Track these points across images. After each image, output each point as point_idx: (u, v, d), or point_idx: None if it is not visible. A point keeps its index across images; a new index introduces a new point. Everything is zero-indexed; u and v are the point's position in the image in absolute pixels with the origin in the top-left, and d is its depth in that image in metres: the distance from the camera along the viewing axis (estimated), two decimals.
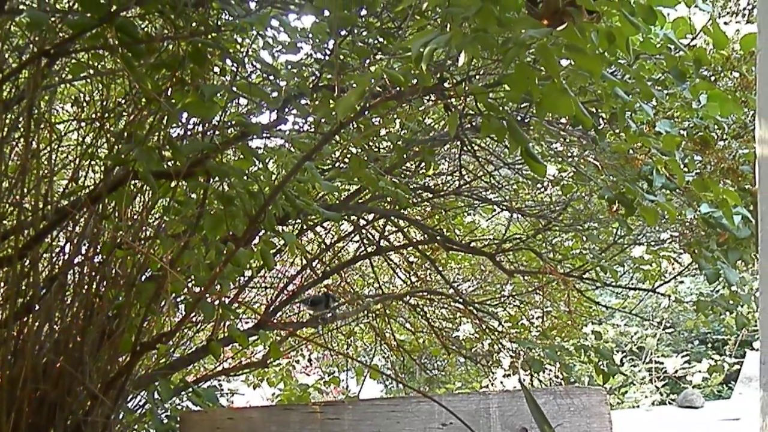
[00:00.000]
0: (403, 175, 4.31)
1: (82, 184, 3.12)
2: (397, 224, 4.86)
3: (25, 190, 2.81)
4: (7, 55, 2.85)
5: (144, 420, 3.63)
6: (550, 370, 5.23)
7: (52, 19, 2.53)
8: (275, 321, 4.38)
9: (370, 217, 4.66)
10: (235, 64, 3.01)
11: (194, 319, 3.65)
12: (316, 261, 4.78)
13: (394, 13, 3.01)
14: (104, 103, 3.14)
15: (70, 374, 2.82)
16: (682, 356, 9.49)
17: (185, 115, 2.97)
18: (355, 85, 2.35)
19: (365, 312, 5.03)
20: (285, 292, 4.60)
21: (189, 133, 3.16)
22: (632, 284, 5.63)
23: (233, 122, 3.24)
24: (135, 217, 3.15)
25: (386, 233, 4.95)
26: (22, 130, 2.81)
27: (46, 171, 2.96)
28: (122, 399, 3.14)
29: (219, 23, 2.82)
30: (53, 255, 3.07)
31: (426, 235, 4.73)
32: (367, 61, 3.04)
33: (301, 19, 3.07)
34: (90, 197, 2.83)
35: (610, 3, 2.30)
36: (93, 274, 3.02)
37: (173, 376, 3.84)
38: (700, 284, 8.54)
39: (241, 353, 4.95)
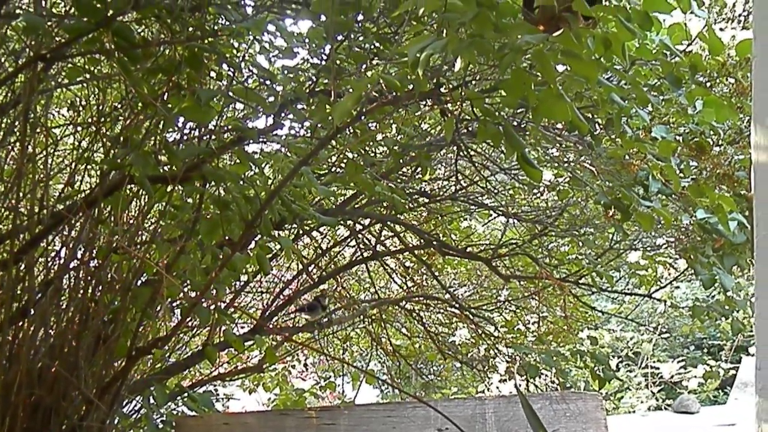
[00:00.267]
0: (399, 180, 4.31)
1: (78, 189, 3.11)
2: (393, 229, 4.86)
3: (21, 194, 2.80)
4: (3, 59, 2.85)
5: (139, 425, 3.62)
6: (546, 376, 5.23)
7: (49, 23, 2.53)
8: (271, 326, 4.37)
9: (367, 221, 4.65)
10: (231, 69, 3.00)
11: (190, 324, 3.65)
12: (313, 266, 4.77)
13: (390, 19, 3.02)
14: (100, 108, 3.13)
15: (65, 379, 2.81)
16: (678, 362, 9.50)
17: (181, 119, 2.97)
18: (351, 90, 2.35)
19: (361, 317, 5.03)
20: (281, 296, 4.60)
21: (185, 137, 3.16)
22: (628, 289, 5.63)
23: (229, 127, 3.24)
24: (131, 221, 3.14)
25: (382, 238, 4.95)
26: (18, 134, 2.81)
27: (41, 175, 2.96)
28: (117, 404, 3.14)
29: (215, 28, 2.82)
30: (49, 259, 3.07)
31: (422, 240, 4.74)
32: (364, 66, 3.04)
33: (298, 23, 3.07)
34: (86, 201, 2.83)
35: (606, 9, 2.30)
36: (88, 278, 3.01)
37: (169, 380, 3.84)
38: (696, 290, 8.54)
39: (236, 358, 4.94)
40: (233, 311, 3.83)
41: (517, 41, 2.02)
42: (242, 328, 4.36)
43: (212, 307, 3.07)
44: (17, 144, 2.82)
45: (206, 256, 3.00)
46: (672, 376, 9.21)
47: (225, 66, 2.98)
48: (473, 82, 3.09)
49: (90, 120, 3.18)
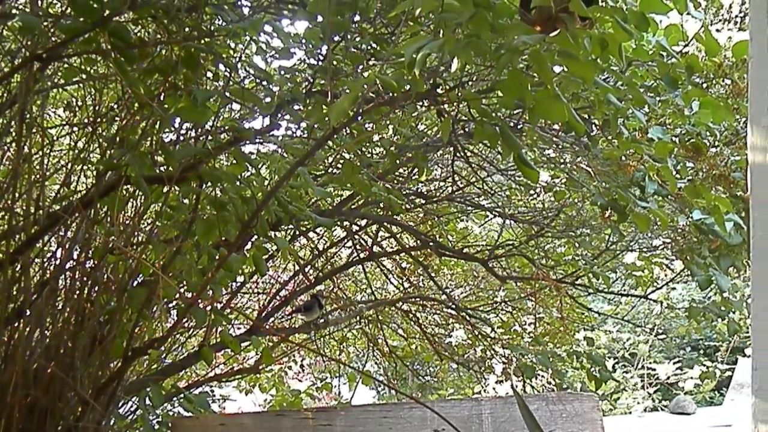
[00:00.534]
0: (396, 181, 4.31)
1: (74, 189, 3.11)
2: (389, 230, 4.86)
3: (17, 194, 2.80)
4: None
5: (135, 426, 3.62)
6: (543, 376, 5.23)
7: (45, 23, 2.52)
8: (267, 326, 4.37)
9: (363, 222, 4.65)
10: (228, 69, 3.00)
11: (186, 325, 3.64)
12: (309, 266, 4.77)
13: (387, 19, 3.02)
14: (97, 108, 3.13)
15: (61, 380, 2.81)
16: (674, 363, 9.50)
17: (178, 120, 2.97)
18: (348, 91, 2.35)
19: (358, 318, 5.02)
20: (277, 297, 4.59)
21: (182, 138, 3.15)
22: (624, 290, 5.64)
23: (226, 127, 3.24)
24: (127, 222, 3.14)
25: (379, 239, 4.95)
26: (14, 134, 2.80)
27: (37, 175, 2.95)
28: (113, 405, 3.13)
29: (212, 28, 2.81)
30: (44, 260, 3.06)
31: (419, 241, 4.73)
32: (360, 66, 3.04)
33: (295, 24, 3.07)
34: (82, 202, 2.82)
35: (602, 9, 2.30)
36: (84, 279, 3.01)
37: (165, 381, 3.83)
38: (692, 291, 8.54)
39: (233, 359, 4.94)
40: (230, 312, 3.83)
41: (513, 42, 2.02)
42: (239, 328, 4.36)
43: (208, 307, 3.07)
44: (13, 144, 2.82)
45: (203, 257, 3.00)
46: (668, 377, 9.22)
47: (221, 66, 2.98)
48: (470, 83, 3.09)
49: (86, 120, 3.18)
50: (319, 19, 2.80)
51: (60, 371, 2.80)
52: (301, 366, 6.30)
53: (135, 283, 3.11)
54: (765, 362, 1.52)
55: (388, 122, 3.69)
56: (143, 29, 2.95)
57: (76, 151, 3.12)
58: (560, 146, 3.96)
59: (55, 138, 3.33)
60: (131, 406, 3.70)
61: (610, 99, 2.81)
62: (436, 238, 4.86)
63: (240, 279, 4.13)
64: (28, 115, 2.80)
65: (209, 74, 2.99)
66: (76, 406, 2.92)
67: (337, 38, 2.99)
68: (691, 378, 9.10)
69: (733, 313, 4.25)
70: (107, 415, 3.06)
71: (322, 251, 4.90)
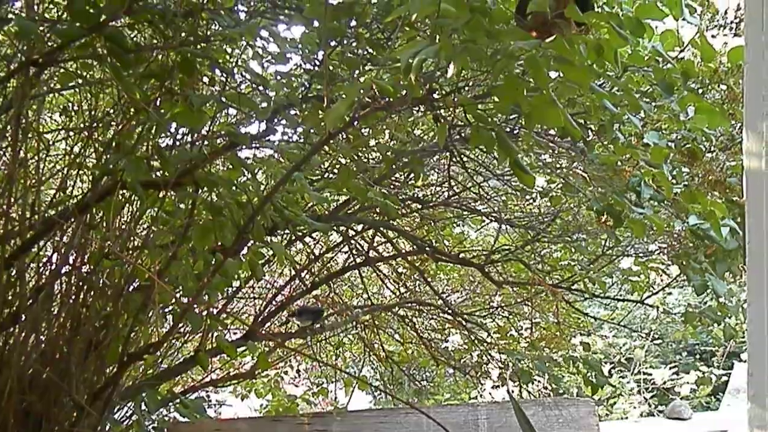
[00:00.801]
0: (392, 186, 4.31)
1: (69, 194, 3.10)
2: (386, 235, 4.85)
3: (13, 199, 2.79)
4: None
5: (131, 431, 3.61)
6: (539, 382, 5.22)
7: (41, 28, 2.52)
8: (264, 332, 4.36)
9: (359, 227, 4.65)
10: (224, 75, 3.00)
11: (182, 330, 3.64)
12: (305, 272, 4.76)
13: (383, 24, 3.02)
14: (93, 113, 3.13)
15: (56, 385, 2.80)
16: (671, 368, 9.49)
17: (174, 125, 2.97)
18: (344, 96, 2.35)
19: (354, 323, 5.02)
20: (273, 302, 4.59)
21: (178, 143, 3.15)
22: (621, 295, 5.64)
23: (222, 132, 3.24)
24: (123, 227, 3.13)
25: (375, 244, 4.94)
26: (9, 139, 2.80)
27: (33, 180, 2.95)
28: (109, 410, 3.13)
29: (208, 33, 2.81)
30: (40, 265, 3.06)
31: (415, 246, 4.73)
32: (357, 71, 3.04)
33: (291, 29, 3.07)
34: (77, 207, 2.82)
35: (598, 15, 2.31)
36: (80, 284, 3.01)
37: (160, 387, 3.82)
38: (688, 296, 8.54)
39: (229, 364, 4.93)
40: (225, 317, 3.83)
41: (509, 47, 2.02)
42: (234, 334, 4.35)
43: (204, 313, 3.06)
44: (9, 149, 2.81)
45: (198, 262, 3.00)
46: (664, 382, 9.20)
47: (218, 71, 2.98)
48: (466, 88, 3.09)
49: (82, 125, 3.18)
50: (316, 24, 2.80)
51: (55, 376, 2.80)
52: (298, 371, 6.28)
53: (131, 288, 3.11)
54: (761, 368, 1.52)
55: (384, 127, 3.69)
56: (139, 34, 2.95)
57: (72, 156, 3.11)
58: (556, 151, 3.96)
59: (50, 143, 3.32)
60: (127, 412, 3.69)
61: (605, 104, 2.81)
62: (432, 243, 4.86)
63: (236, 284, 4.12)
64: (24, 120, 2.80)
65: (205, 79, 2.99)
66: (72, 412, 2.92)
67: (333, 43, 2.99)
68: (688, 383, 9.09)
69: (729, 318, 4.25)
70: (103, 420, 3.05)
71: (318, 256, 4.89)
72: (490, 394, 5.50)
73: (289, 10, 2.96)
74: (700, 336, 9.41)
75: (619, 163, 3.40)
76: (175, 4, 2.57)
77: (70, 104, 3.37)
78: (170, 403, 3.95)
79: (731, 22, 3.77)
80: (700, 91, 3.53)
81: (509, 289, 5.13)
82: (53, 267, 3.04)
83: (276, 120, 3.18)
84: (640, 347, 9.40)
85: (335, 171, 3.75)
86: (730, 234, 3.32)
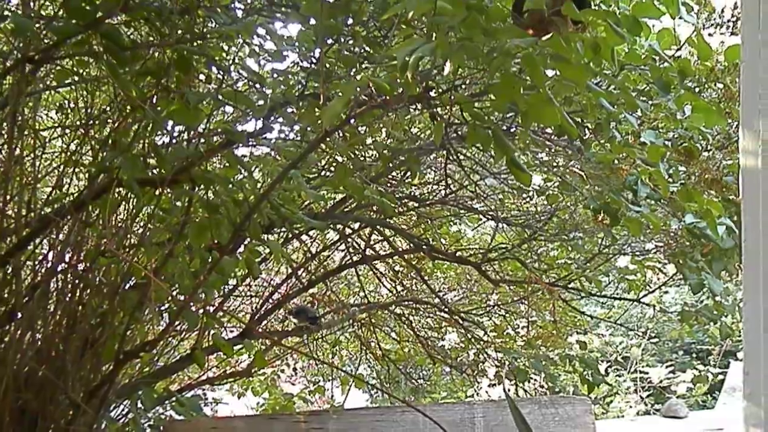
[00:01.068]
0: (389, 184, 4.31)
1: (65, 192, 3.10)
2: (383, 233, 4.85)
3: (8, 196, 2.79)
4: None
5: (127, 429, 3.61)
6: (536, 380, 5.22)
7: (37, 25, 2.52)
8: (260, 330, 4.36)
9: (356, 226, 4.65)
10: (220, 72, 3.00)
11: (178, 328, 3.63)
12: (302, 270, 4.76)
13: (380, 22, 3.02)
14: (89, 110, 3.12)
15: (52, 383, 2.80)
16: (667, 366, 9.50)
17: (170, 122, 2.96)
18: (340, 94, 2.35)
19: (351, 321, 5.02)
20: (270, 300, 4.58)
21: (174, 140, 3.15)
22: (617, 294, 5.64)
23: (219, 130, 3.23)
24: (119, 224, 3.13)
25: (372, 242, 4.94)
26: (5, 136, 2.79)
27: (29, 178, 2.95)
28: (105, 408, 3.12)
29: (205, 31, 2.81)
30: (36, 262, 3.05)
31: (412, 245, 4.73)
32: (353, 69, 3.04)
33: (288, 27, 3.07)
34: (74, 205, 2.81)
35: (595, 13, 2.31)
36: (76, 281, 3.00)
37: (157, 385, 3.82)
38: (685, 294, 8.55)
39: (225, 362, 4.92)
40: (222, 315, 3.82)
41: (506, 45, 2.02)
42: (231, 332, 4.35)
43: (201, 311, 3.06)
44: (5, 146, 2.81)
45: (195, 260, 2.99)
46: (661, 381, 9.21)
47: (214, 69, 2.97)
48: (463, 86, 3.09)
49: (78, 123, 3.17)
50: (312, 21, 2.80)
51: (51, 374, 2.79)
52: (294, 369, 6.28)
53: (127, 286, 3.10)
54: (756, 366, 1.52)
55: (381, 125, 3.69)
56: (136, 31, 2.95)
57: (68, 154, 3.11)
58: (553, 150, 3.96)
59: (47, 140, 3.32)
60: (123, 410, 3.69)
61: (602, 103, 2.81)
62: (429, 241, 4.86)
63: (232, 282, 4.12)
64: (19, 117, 2.79)
65: (202, 77, 2.98)
66: (68, 410, 2.91)
67: (330, 41, 2.99)
68: (684, 382, 9.10)
69: (726, 316, 4.26)
70: (99, 418, 3.05)
71: (315, 254, 4.89)
72: (486, 392, 5.50)
73: (286, 7, 2.96)
74: (697, 335, 9.41)
75: (616, 161, 3.40)
76: (172, 2, 2.56)
77: (66, 101, 3.37)
78: (166, 401, 3.95)
79: (728, 21, 3.77)
80: (697, 89, 3.53)
81: (506, 287, 5.14)
82: (49, 264, 3.03)
83: (272, 118, 3.18)
84: (636, 346, 9.41)
85: (332, 169, 3.74)
86: (727, 233, 3.32)
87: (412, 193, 4.75)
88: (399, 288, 5.43)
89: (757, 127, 1.54)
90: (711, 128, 3.42)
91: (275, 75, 3.13)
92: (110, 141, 2.94)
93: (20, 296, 2.83)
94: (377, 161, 3.88)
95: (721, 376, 8.91)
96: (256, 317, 4.42)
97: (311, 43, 2.96)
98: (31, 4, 2.76)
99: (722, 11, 3.79)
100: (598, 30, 2.41)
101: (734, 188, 3.50)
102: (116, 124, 3.00)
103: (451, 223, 5.48)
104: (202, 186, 2.81)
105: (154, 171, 2.82)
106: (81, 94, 3.18)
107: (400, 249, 4.90)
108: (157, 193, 2.87)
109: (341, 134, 3.33)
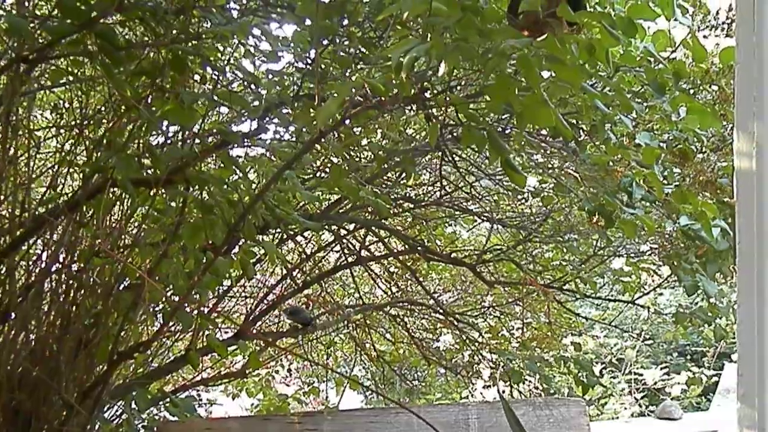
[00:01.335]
0: (384, 185, 4.31)
1: (60, 192, 3.09)
2: (378, 234, 4.85)
3: (2, 197, 2.78)
4: None
5: (121, 430, 3.60)
6: (530, 381, 5.23)
7: (32, 24, 2.51)
8: (255, 331, 4.36)
9: (351, 227, 4.65)
10: (215, 72, 2.99)
11: (172, 329, 3.63)
12: (297, 271, 4.76)
13: (375, 23, 3.01)
14: (83, 110, 3.12)
15: (45, 383, 2.79)
16: (661, 368, 9.51)
17: (165, 122, 2.96)
18: (335, 95, 2.35)
19: (345, 322, 5.01)
20: (265, 301, 4.58)
21: (169, 141, 3.14)
22: (612, 296, 5.65)
23: (213, 130, 3.23)
24: (113, 225, 3.12)
25: (367, 243, 4.94)
26: None
27: (23, 178, 2.94)
28: (99, 409, 3.12)
29: (200, 31, 2.80)
30: (30, 263, 3.05)
31: (407, 246, 4.73)
32: (348, 70, 3.04)
33: (283, 27, 3.07)
34: (68, 205, 2.81)
35: (590, 15, 2.31)
36: (70, 282, 3.00)
37: (151, 385, 3.81)
38: (679, 296, 8.55)
39: (219, 363, 4.92)
40: (216, 316, 3.82)
41: (501, 46, 2.02)
42: (225, 333, 4.34)
43: (195, 311, 3.05)
44: None
45: (189, 261, 2.99)
46: (655, 383, 9.22)
47: (209, 69, 2.97)
48: (458, 87, 3.09)
49: (73, 122, 3.16)
50: (308, 22, 2.80)
51: (45, 375, 2.79)
52: (289, 370, 6.28)
53: (121, 286, 3.10)
54: (750, 368, 1.52)
55: (376, 126, 3.68)
56: (130, 31, 2.94)
57: (63, 154, 3.10)
58: (548, 151, 3.96)
59: (41, 140, 3.31)
60: (117, 410, 3.68)
61: (597, 104, 2.81)
62: (424, 242, 4.86)
63: (227, 283, 4.11)
64: (14, 117, 2.79)
65: (197, 77, 2.98)
66: (61, 410, 2.91)
67: (325, 42, 2.99)
68: (678, 383, 9.11)
69: (720, 318, 4.26)
70: (92, 419, 3.04)
71: (309, 255, 4.89)
72: (481, 393, 5.50)
73: (281, 8, 2.96)
74: (691, 336, 9.44)
75: (611, 163, 3.40)
76: (167, 2, 2.56)
77: (60, 101, 3.36)
78: (160, 402, 3.94)
79: (723, 23, 3.77)
80: (692, 91, 3.53)
81: (501, 288, 5.14)
82: (43, 265, 3.03)
83: (267, 118, 3.17)
84: (631, 347, 9.41)
85: (327, 170, 3.74)
86: (721, 235, 3.33)
87: (407, 195, 4.75)
88: (394, 289, 5.43)
89: (751, 129, 1.54)
90: (706, 130, 3.43)
91: (270, 75, 3.13)
92: (105, 141, 2.94)
93: (14, 296, 2.82)
94: (372, 162, 3.88)
95: (715, 378, 8.92)
96: (251, 318, 4.42)
97: (306, 44, 2.96)
98: (26, 3, 2.75)
99: (717, 13, 3.79)
100: (593, 32, 2.41)
101: (729, 190, 3.50)
102: (111, 124, 2.99)
103: (446, 225, 5.48)
104: (196, 186, 2.80)
105: (149, 171, 2.82)
106: (75, 94, 3.17)
107: (395, 250, 4.90)
108: (151, 193, 2.87)
109: (336, 135, 3.33)
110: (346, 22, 3.00)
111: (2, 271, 2.84)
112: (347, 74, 3.02)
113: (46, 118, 3.74)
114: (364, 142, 3.95)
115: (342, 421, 3.96)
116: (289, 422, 3.90)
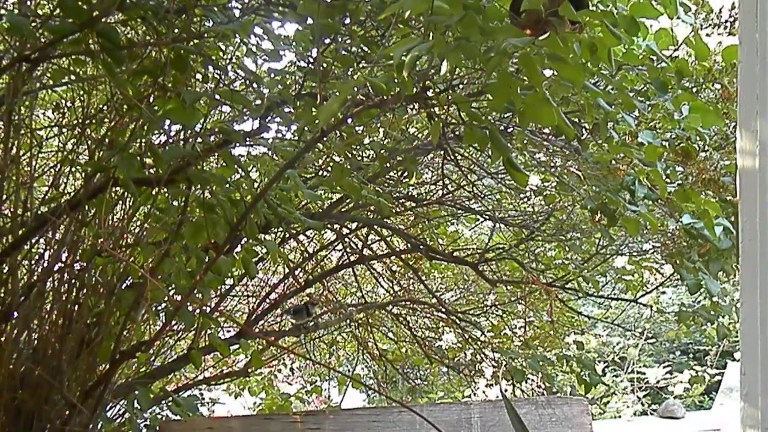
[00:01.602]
0: (386, 184, 4.31)
1: (62, 191, 3.09)
2: (380, 233, 4.85)
3: (5, 196, 2.78)
4: None
5: (123, 429, 3.60)
6: (533, 380, 5.22)
7: (33, 24, 2.51)
8: (257, 330, 4.36)
9: (353, 225, 4.64)
10: (217, 71, 2.99)
11: (175, 328, 3.63)
12: (299, 270, 4.76)
13: (377, 22, 3.01)
14: (85, 110, 3.12)
15: (48, 383, 2.79)
16: (664, 367, 9.51)
17: (167, 122, 2.95)
18: (337, 93, 2.34)
19: (348, 321, 5.01)
20: (267, 300, 4.58)
21: (171, 140, 3.14)
22: (614, 294, 5.64)
23: (215, 129, 3.23)
24: (115, 224, 3.12)
25: (369, 242, 4.94)
26: (1, 135, 2.79)
27: (25, 177, 2.94)
28: (101, 408, 3.12)
29: (202, 30, 2.80)
30: (32, 262, 3.05)
31: (409, 245, 4.73)
32: (350, 69, 3.04)
33: (285, 26, 3.06)
34: (70, 204, 2.81)
35: (592, 13, 2.30)
36: (72, 281, 3.00)
37: (153, 384, 3.81)
38: (682, 295, 8.55)
39: (222, 362, 4.92)
40: (218, 315, 3.82)
41: (503, 45, 2.02)
42: (228, 332, 4.34)
43: (197, 310, 3.05)
44: (1, 146, 2.80)
45: (191, 260, 2.99)
46: (658, 381, 9.22)
47: (211, 68, 2.97)
48: (460, 86, 3.09)
49: (75, 122, 3.17)
50: (309, 21, 2.80)
51: (47, 374, 2.79)
52: (291, 369, 6.28)
53: (123, 285, 3.10)
54: (753, 366, 1.52)
55: (378, 125, 3.68)
56: (132, 30, 2.94)
57: (65, 153, 3.11)
58: (550, 150, 3.96)
59: (43, 139, 3.31)
60: (119, 410, 3.68)
61: (599, 103, 2.80)
62: (426, 241, 4.86)
63: (229, 282, 4.11)
64: (16, 117, 2.79)
65: (198, 76, 2.98)
66: (63, 409, 2.91)
67: (327, 41, 2.98)
68: (681, 382, 9.11)
69: (723, 317, 4.25)
70: (94, 418, 3.04)
71: (312, 254, 4.89)
72: (483, 392, 5.49)
73: (283, 7, 2.96)
74: (694, 335, 9.42)
75: (613, 161, 3.39)
76: (168, 1, 2.56)
77: (62, 101, 3.36)
78: (163, 401, 3.94)
79: (725, 21, 3.77)
80: (695, 89, 3.53)
81: (503, 287, 5.14)
82: (45, 264, 3.03)
83: (269, 117, 3.17)
84: (633, 346, 9.42)
85: (329, 169, 3.74)
86: (724, 233, 3.32)
87: (409, 193, 4.75)
88: (396, 288, 5.43)
89: (754, 127, 1.53)
90: (708, 128, 3.42)
91: (272, 74, 3.13)
92: (107, 140, 2.94)
93: (16, 295, 2.83)
94: (374, 161, 3.88)
95: (718, 377, 8.92)
96: (253, 317, 4.42)
97: (308, 43, 2.96)
98: (28, 2, 2.75)
99: (720, 11, 3.78)
100: (596, 30, 2.41)
101: (731, 189, 3.50)
102: (113, 124, 2.99)
103: (449, 223, 5.48)
104: (198, 185, 2.80)
105: (151, 170, 2.82)
106: (77, 93, 3.17)
107: (398, 249, 4.90)
108: (153, 192, 2.87)
109: (338, 134, 3.33)
110: (347, 20, 3.00)
111: (5, 270, 2.84)
112: (349, 73, 3.01)
113: (48, 118, 3.74)
114: (366, 140, 3.95)
115: (344, 420, 3.96)
116: (291, 421, 3.90)
